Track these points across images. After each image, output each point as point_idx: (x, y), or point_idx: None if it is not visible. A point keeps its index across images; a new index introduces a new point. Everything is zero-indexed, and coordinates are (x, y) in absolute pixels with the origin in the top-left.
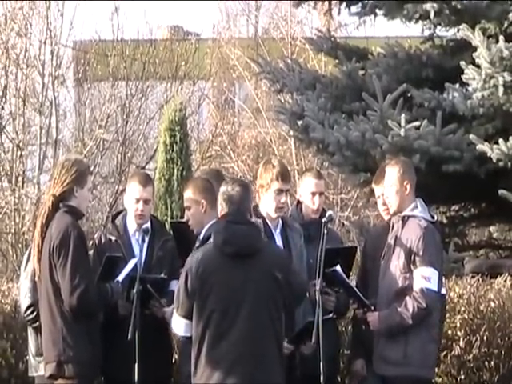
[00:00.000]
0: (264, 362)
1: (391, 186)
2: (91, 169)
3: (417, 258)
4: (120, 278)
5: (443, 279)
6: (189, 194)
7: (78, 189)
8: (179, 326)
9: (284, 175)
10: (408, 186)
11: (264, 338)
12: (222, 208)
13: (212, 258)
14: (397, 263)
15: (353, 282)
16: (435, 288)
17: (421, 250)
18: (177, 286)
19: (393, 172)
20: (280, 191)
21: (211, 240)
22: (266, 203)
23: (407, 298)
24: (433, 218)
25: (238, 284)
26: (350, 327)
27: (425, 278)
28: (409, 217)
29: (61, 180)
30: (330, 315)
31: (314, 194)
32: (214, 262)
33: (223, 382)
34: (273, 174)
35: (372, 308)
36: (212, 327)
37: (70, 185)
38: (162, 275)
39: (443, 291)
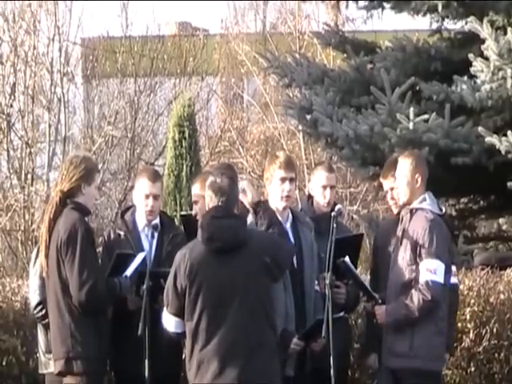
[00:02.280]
0: (260, 351)
1: (402, 177)
2: (100, 165)
3: (422, 250)
4: (128, 272)
5: (454, 270)
6: (196, 189)
7: (86, 186)
8: (170, 323)
9: (287, 163)
10: (419, 179)
11: (257, 330)
12: (210, 199)
13: (199, 254)
14: (404, 255)
15: (362, 275)
16: (441, 280)
17: (426, 242)
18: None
19: (405, 164)
20: (284, 179)
21: (198, 235)
22: (273, 194)
23: (413, 290)
24: (441, 210)
25: (227, 278)
26: (359, 321)
27: (430, 270)
28: (417, 209)
29: (69, 176)
30: (341, 314)
31: (325, 187)
32: (201, 259)
33: (219, 376)
34: (275, 164)
35: (380, 301)
36: (204, 323)
37: (77, 181)
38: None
39: (454, 280)
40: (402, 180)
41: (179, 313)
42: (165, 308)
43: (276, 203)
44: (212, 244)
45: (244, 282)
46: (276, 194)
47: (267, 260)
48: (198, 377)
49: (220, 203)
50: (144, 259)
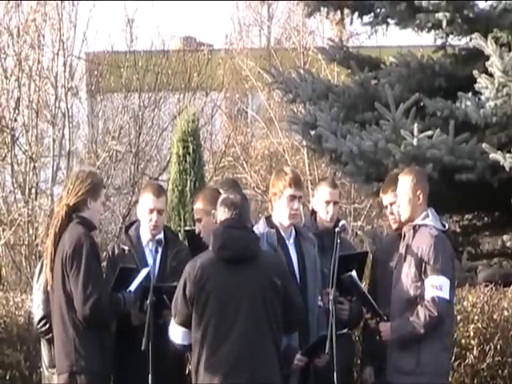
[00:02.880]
0: (262, 366)
1: (404, 194)
2: (104, 180)
3: (428, 267)
4: (132, 287)
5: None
6: (199, 205)
7: (92, 201)
8: (177, 334)
9: (296, 182)
10: (421, 196)
11: (262, 343)
12: (223, 213)
13: (210, 264)
14: (408, 272)
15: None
16: (447, 296)
17: (432, 259)
18: (175, 293)
19: (406, 181)
20: (293, 197)
21: (210, 245)
22: (279, 211)
23: (419, 307)
24: (444, 226)
25: (235, 289)
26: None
27: (436, 286)
28: (420, 226)
29: (75, 190)
30: (345, 330)
31: (328, 202)
32: (211, 268)
33: None
34: (285, 181)
35: (385, 318)
36: (210, 333)
37: (84, 196)
38: (175, 284)
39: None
40: (403, 198)
41: (187, 323)
42: (172, 319)
43: (282, 220)
44: (223, 253)
45: (252, 295)
46: (283, 211)
47: (277, 281)
48: None
49: (233, 216)
50: (148, 274)
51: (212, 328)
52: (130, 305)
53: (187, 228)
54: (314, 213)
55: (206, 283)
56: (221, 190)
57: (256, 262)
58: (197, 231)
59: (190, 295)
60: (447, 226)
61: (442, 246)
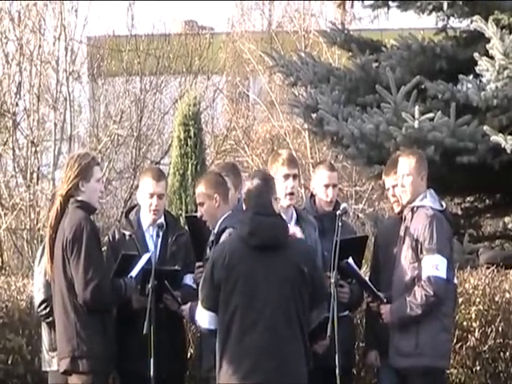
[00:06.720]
0: (289, 357)
1: (408, 175)
2: (106, 164)
3: (423, 247)
4: (133, 273)
5: (455, 269)
6: (201, 189)
7: (84, 182)
8: (203, 318)
9: (289, 160)
10: (424, 177)
11: (289, 333)
12: (245, 203)
13: (238, 249)
14: (406, 254)
15: (366, 274)
16: (443, 275)
17: (427, 239)
18: (202, 277)
19: (409, 162)
20: (287, 176)
21: (237, 231)
22: (278, 192)
23: (415, 287)
24: (442, 206)
25: (263, 277)
26: (364, 320)
27: (432, 266)
28: (418, 207)
29: (66, 178)
30: (346, 312)
31: (327, 186)
32: (239, 254)
33: (249, 377)
34: (278, 162)
35: (385, 300)
36: (237, 321)
37: (74, 181)
38: (176, 267)
39: (454, 280)
40: (407, 179)
41: (214, 307)
42: (199, 303)
43: (281, 200)
44: (252, 240)
45: (281, 284)
46: (280, 192)
47: (304, 269)
48: (228, 374)
49: (252, 204)
50: (149, 260)
51: (239, 315)
52: (131, 290)
53: (188, 214)
54: (313, 196)
55: (234, 269)
56: (228, 173)
57: (284, 249)
58: (198, 215)
59: (218, 280)
60: (445, 206)
61: (438, 225)
